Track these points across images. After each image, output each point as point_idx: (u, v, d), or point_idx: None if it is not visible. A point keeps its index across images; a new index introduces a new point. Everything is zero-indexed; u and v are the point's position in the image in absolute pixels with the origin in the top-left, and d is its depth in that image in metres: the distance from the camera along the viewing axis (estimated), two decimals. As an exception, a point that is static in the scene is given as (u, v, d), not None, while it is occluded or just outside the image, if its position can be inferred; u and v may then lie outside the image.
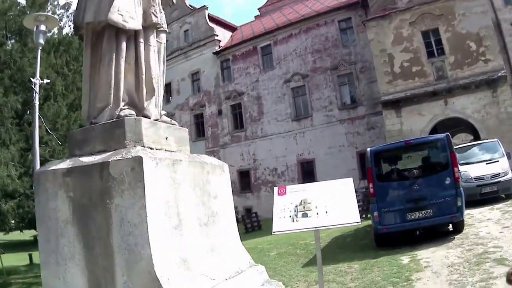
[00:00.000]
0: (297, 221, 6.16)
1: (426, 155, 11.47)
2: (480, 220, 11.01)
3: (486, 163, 13.92)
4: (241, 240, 5.72)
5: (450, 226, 10.50)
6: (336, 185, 6.57)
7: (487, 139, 17.04)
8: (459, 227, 10.18)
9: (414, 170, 11.14)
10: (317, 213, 6.18)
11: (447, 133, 10.65)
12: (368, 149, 11.18)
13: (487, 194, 13.04)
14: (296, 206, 6.35)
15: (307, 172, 27.21)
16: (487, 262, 7.52)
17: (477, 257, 7.93)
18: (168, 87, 34.80)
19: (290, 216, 6.24)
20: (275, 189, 6.76)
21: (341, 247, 11.70)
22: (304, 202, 6.38)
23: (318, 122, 27.13)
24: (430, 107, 21.44)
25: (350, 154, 25.50)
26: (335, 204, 6.20)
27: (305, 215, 6.21)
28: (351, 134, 25.79)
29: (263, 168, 29.57)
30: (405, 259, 8.90)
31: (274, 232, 6.13)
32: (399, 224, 10.12)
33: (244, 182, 30.40)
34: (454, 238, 9.80)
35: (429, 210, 9.95)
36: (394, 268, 8.40)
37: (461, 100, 20.87)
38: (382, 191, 10.41)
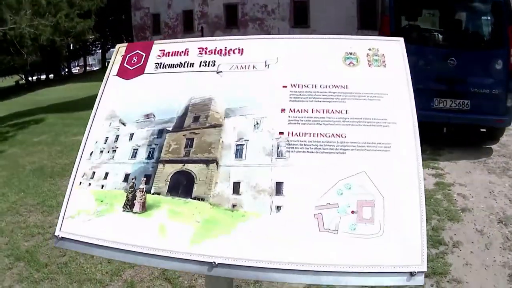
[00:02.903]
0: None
1: (473, 19, 5.88)
2: (518, 125, 6.29)
3: None
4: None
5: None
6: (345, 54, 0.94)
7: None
8: (496, 133, 5.48)
9: (453, 37, 5.70)
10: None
11: (506, -5, 5.11)
12: (389, -13, 5.44)
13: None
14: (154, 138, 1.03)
15: (301, 13, 20.34)
16: None
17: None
18: None
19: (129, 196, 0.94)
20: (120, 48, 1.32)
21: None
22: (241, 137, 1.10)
23: (316, -43, 19.13)
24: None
25: (350, -1, 18.67)
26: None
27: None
28: (354, -24, 18.35)
29: (252, 3, 22.47)
30: (428, 176, 4.44)
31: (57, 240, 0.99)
32: (421, 111, 5.25)
33: (230, 17, 23.96)
34: (492, 150, 5.25)
35: (466, 101, 5.08)
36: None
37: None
38: None
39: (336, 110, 1.19)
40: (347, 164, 1.11)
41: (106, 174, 1.24)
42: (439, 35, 5.84)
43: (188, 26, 26.24)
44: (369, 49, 1.33)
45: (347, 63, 1.30)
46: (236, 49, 1.34)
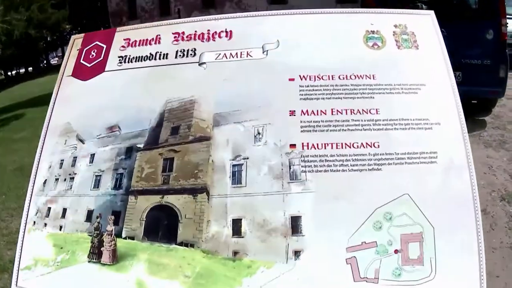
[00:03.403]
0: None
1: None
2: (508, 96, 6.18)
3: None
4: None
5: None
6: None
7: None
8: (488, 105, 5.37)
9: (441, 7, 5.47)
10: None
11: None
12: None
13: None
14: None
15: None
16: None
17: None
18: None
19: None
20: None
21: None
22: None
23: None
24: None
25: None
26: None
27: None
28: None
29: None
30: None
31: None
32: None
33: (207, -4, 22.87)
34: (486, 122, 5.04)
35: (458, 73, 4.87)
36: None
37: None
38: None
39: (363, 110, 0.86)
40: (385, 185, 0.79)
41: (64, 210, 0.90)
42: (426, 6, 5.56)
43: (164, 9, 24.70)
44: (395, 26, 0.99)
45: (369, 44, 0.96)
46: (222, 31, 0.97)
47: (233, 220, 0.78)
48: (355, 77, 0.90)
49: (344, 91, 0.88)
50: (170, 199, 0.82)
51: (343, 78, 0.90)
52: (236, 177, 0.80)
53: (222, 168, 0.82)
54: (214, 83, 0.92)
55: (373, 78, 0.90)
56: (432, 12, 1.05)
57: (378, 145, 0.83)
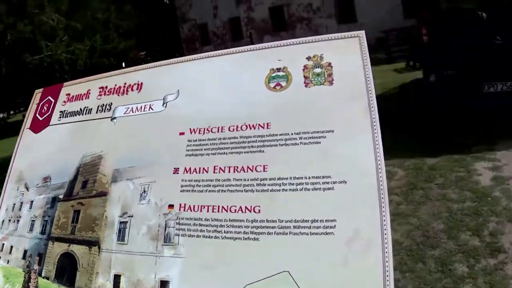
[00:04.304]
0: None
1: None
2: None
3: None
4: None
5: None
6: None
7: None
8: None
9: (496, 12, 4.60)
10: None
11: None
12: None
13: None
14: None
15: (346, 8, 18.16)
16: None
17: None
18: None
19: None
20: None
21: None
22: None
23: None
24: None
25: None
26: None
27: None
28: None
29: (297, 4, 19.72)
30: (484, 170, 3.47)
31: None
32: (470, 98, 4.23)
33: (277, 20, 22.12)
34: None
35: (515, 84, 4.04)
36: (465, 194, 3.15)
37: None
38: (441, 38, 4.36)
39: (249, 167, 0.77)
40: (261, 258, 0.70)
41: (11, 248, 1.03)
42: (483, 13, 4.66)
43: (236, 34, 24.20)
44: (308, 58, 0.85)
45: (272, 85, 0.85)
46: (135, 84, 0.97)
47: (114, 275, 0.79)
48: (247, 127, 0.81)
49: (231, 144, 0.80)
50: (74, 248, 0.87)
51: (233, 130, 0.81)
52: (121, 234, 0.81)
53: (112, 224, 0.84)
54: (120, 138, 0.93)
55: (267, 127, 0.80)
56: (362, 33, 0.86)
57: (259, 210, 0.73)
